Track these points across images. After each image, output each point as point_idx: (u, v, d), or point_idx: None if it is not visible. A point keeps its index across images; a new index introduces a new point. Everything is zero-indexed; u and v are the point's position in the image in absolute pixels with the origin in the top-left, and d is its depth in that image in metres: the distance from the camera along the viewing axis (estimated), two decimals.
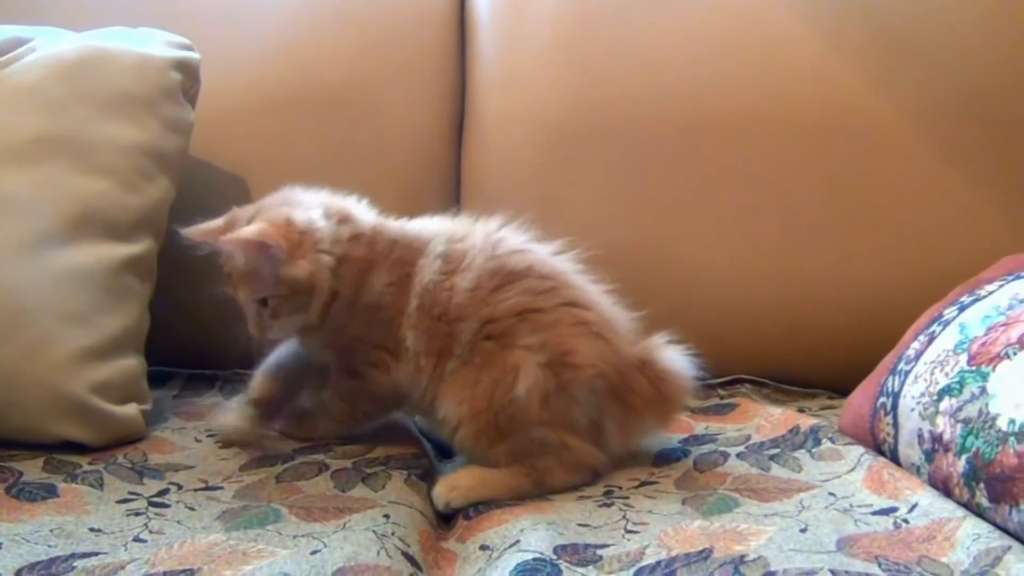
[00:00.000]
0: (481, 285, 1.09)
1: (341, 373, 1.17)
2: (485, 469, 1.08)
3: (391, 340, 1.13)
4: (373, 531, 0.91)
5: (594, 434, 1.09)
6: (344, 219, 1.15)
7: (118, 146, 1.26)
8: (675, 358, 1.12)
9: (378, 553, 0.87)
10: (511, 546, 0.90)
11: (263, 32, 1.58)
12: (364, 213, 1.18)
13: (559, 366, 1.06)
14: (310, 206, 1.14)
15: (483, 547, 0.93)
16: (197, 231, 1.13)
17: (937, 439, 1.01)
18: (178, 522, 0.95)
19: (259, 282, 1.10)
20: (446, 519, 1.05)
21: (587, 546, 0.91)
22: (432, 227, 1.17)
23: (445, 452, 1.23)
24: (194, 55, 1.37)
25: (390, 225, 1.18)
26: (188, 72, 1.35)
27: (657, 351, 1.13)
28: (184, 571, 0.84)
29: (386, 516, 0.95)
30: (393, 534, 0.91)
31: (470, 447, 1.09)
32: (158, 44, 1.34)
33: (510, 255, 1.12)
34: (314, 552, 0.87)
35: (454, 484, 1.06)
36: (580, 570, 0.86)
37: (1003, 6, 1.50)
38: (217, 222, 1.14)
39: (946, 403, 1.01)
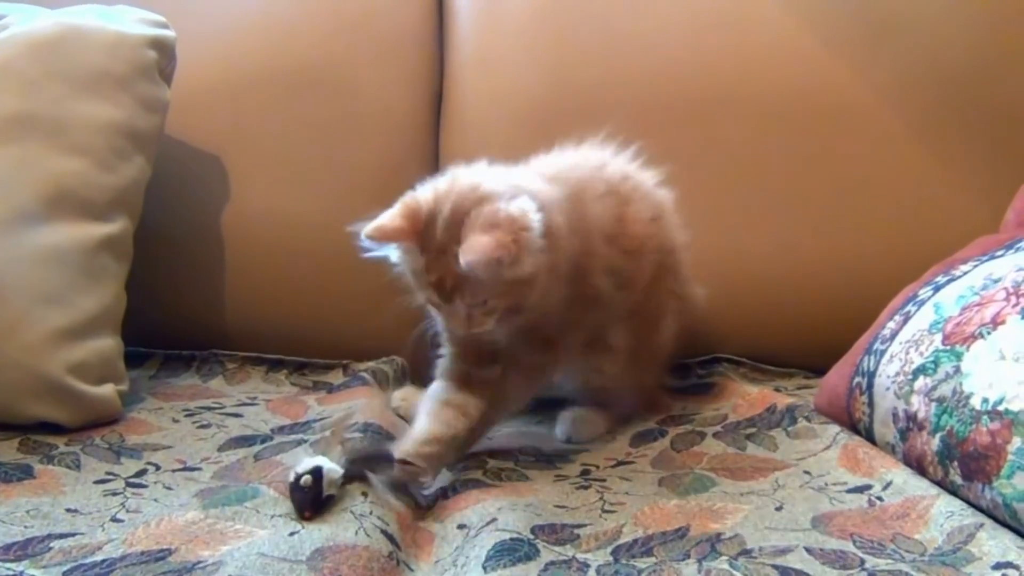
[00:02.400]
0: (651, 215, 1.20)
1: (532, 348, 1.12)
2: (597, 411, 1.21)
3: (583, 291, 1.12)
4: (351, 511, 0.91)
5: None
6: (532, 195, 1.05)
7: (93, 125, 1.25)
8: None
9: (356, 533, 0.87)
10: (488, 523, 0.90)
11: (240, 10, 1.57)
12: (531, 178, 1.11)
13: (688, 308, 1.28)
14: (510, 192, 1.04)
15: (460, 526, 0.93)
16: (381, 231, 1.02)
17: (912, 418, 1.01)
18: (155, 500, 0.95)
19: (479, 287, 1.01)
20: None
21: (564, 526, 0.91)
22: (568, 162, 1.19)
23: None
24: (170, 33, 1.36)
25: (536, 178, 1.12)
26: (164, 50, 1.34)
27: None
28: (161, 551, 0.83)
29: (364, 495, 0.95)
30: (371, 513, 0.91)
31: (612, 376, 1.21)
32: (133, 22, 1.33)
33: (646, 183, 1.23)
34: (292, 533, 0.86)
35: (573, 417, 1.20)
36: (558, 549, 0.86)
37: None
38: (394, 218, 1.03)
39: (921, 382, 1.02)
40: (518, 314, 1.05)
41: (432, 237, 1.01)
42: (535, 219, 1.00)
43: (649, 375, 1.28)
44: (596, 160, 1.21)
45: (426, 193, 1.04)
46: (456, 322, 1.05)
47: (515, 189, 1.04)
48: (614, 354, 1.21)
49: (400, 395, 1.30)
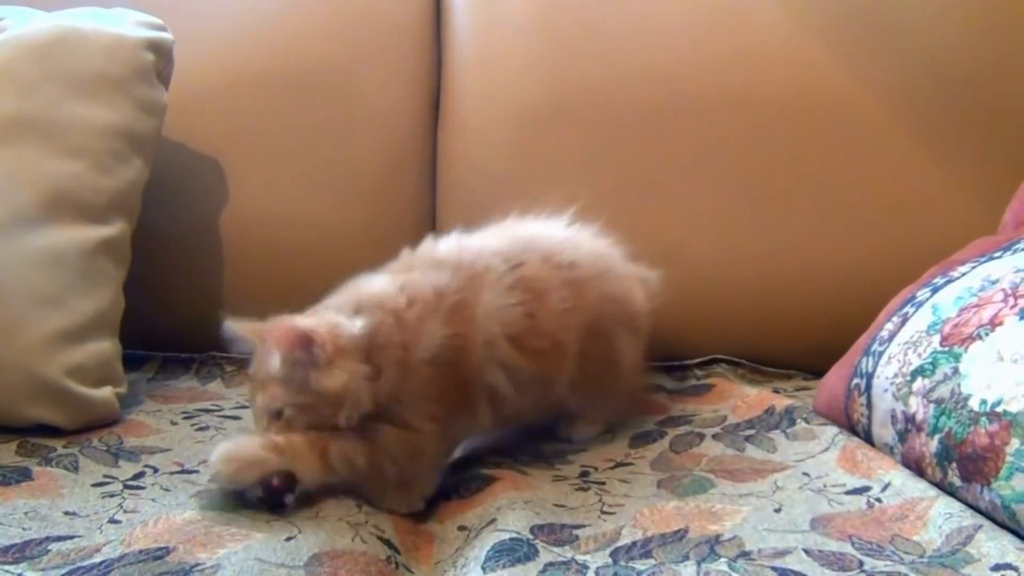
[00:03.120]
0: (574, 300, 1.11)
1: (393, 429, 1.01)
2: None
3: (459, 394, 1.04)
4: (347, 520, 0.91)
5: None
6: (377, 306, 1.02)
7: (91, 127, 1.25)
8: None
9: (352, 539, 0.87)
10: (488, 524, 0.90)
11: (237, 12, 1.57)
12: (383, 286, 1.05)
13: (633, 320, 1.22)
14: (349, 307, 1.02)
15: (461, 527, 0.93)
16: (241, 326, 1.02)
17: (910, 419, 1.01)
18: (153, 500, 0.95)
19: (285, 387, 0.98)
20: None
21: (563, 526, 0.91)
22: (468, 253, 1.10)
23: None
24: (167, 35, 1.36)
25: (428, 276, 1.06)
26: (161, 52, 1.34)
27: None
28: (159, 549, 0.83)
29: (358, 506, 0.95)
30: (367, 522, 0.91)
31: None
32: (131, 24, 1.33)
33: (573, 258, 1.15)
34: (289, 538, 0.86)
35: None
36: (557, 550, 0.86)
37: None
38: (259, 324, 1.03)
39: (919, 384, 1.02)
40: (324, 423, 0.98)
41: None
42: (355, 326, 0.98)
43: (626, 387, 1.24)
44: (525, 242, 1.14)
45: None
46: (256, 430, 1.01)
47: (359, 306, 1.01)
48: (571, 394, 1.15)
49: None
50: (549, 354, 1.09)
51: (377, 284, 1.05)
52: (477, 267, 1.07)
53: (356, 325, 0.98)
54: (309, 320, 1.00)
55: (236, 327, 1.02)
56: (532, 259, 1.10)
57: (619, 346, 1.19)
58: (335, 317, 1.00)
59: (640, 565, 0.83)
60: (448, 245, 1.12)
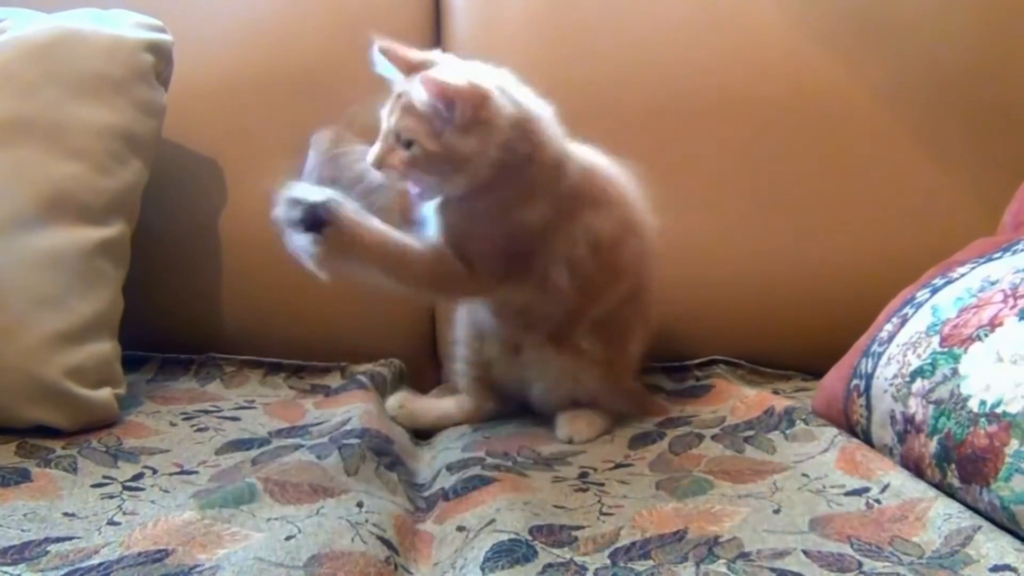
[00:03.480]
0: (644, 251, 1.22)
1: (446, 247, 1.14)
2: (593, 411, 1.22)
3: (520, 262, 1.14)
4: (347, 520, 0.90)
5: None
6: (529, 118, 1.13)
7: (91, 129, 1.25)
8: None
9: (352, 540, 0.87)
10: (487, 525, 0.90)
11: (236, 13, 1.57)
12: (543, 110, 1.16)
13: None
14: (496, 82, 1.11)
15: (460, 528, 0.93)
16: (391, 52, 1.12)
17: (909, 420, 1.01)
18: (152, 502, 0.95)
19: (417, 125, 1.07)
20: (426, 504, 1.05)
21: (563, 527, 0.91)
22: (604, 168, 1.21)
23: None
24: (167, 37, 1.36)
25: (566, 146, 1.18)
26: (161, 54, 1.34)
27: None
28: (159, 551, 0.83)
29: (359, 505, 0.95)
30: (367, 521, 0.91)
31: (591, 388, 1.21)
32: (130, 26, 1.33)
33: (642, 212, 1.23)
34: (288, 537, 0.86)
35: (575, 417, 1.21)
36: (555, 551, 0.86)
37: None
38: (412, 52, 1.13)
39: (918, 385, 1.02)
40: (431, 181, 1.10)
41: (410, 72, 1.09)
42: (505, 104, 1.08)
43: (628, 381, 1.28)
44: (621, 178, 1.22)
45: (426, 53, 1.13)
46: (373, 150, 1.09)
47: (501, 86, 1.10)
48: (588, 362, 1.21)
49: (397, 402, 1.30)
50: (607, 277, 1.18)
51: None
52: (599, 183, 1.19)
53: (507, 106, 1.08)
54: (466, 78, 1.07)
55: (390, 49, 1.11)
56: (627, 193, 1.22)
57: (634, 325, 1.25)
58: (504, 85, 1.10)
59: (639, 566, 0.83)
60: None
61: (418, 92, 1.05)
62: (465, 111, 1.05)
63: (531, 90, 1.14)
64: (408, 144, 1.07)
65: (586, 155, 1.18)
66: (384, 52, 1.11)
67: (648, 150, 1.47)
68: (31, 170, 1.20)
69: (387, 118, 1.09)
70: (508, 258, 1.13)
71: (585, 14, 1.55)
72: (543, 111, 1.14)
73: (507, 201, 1.11)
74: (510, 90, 1.11)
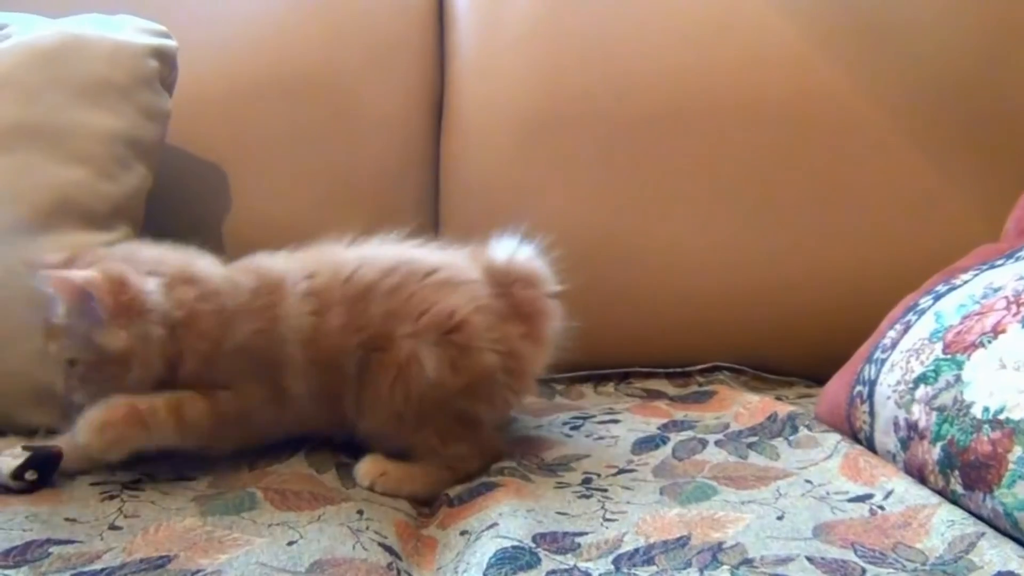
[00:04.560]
0: (351, 318, 1.07)
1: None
2: (411, 463, 1.07)
3: (268, 386, 1.06)
4: (348, 527, 0.91)
5: (512, 368, 1.10)
6: (188, 279, 1.04)
7: (95, 134, 1.25)
8: (515, 256, 1.14)
9: (353, 547, 0.87)
10: (489, 528, 0.90)
11: (241, 20, 1.57)
12: (210, 268, 1.08)
13: (448, 332, 1.06)
14: (149, 268, 1.03)
15: (463, 532, 0.93)
16: (39, 262, 1.02)
17: (913, 427, 1.01)
18: (152, 503, 0.95)
19: (71, 338, 1.00)
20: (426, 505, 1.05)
21: (565, 534, 0.91)
22: (281, 264, 1.11)
23: None
24: (171, 42, 1.36)
25: (240, 272, 1.10)
26: (165, 59, 1.34)
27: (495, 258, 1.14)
28: (161, 558, 0.83)
29: (359, 512, 0.95)
30: (368, 528, 0.91)
31: (399, 445, 1.08)
32: (134, 31, 1.33)
33: (356, 272, 1.09)
34: (290, 543, 0.86)
35: (383, 469, 1.06)
36: (559, 558, 0.86)
37: None
38: (58, 257, 1.04)
39: (922, 391, 1.02)
40: (111, 386, 1.00)
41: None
42: (153, 298, 0.99)
43: (431, 413, 1.08)
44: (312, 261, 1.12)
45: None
46: (57, 381, 1.03)
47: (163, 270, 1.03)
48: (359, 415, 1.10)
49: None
50: (331, 367, 1.07)
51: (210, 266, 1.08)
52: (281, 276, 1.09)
53: (149, 284, 1.00)
54: (93, 271, 0.98)
55: (44, 269, 1.00)
56: (323, 272, 1.10)
57: (416, 367, 1.05)
58: (128, 271, 1.00)
59: (643, 572, 0.83)
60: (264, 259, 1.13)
61: (58, 306, 0.98)
62: (104, 303, 0.97)
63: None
64: (71, 363, 1.01)
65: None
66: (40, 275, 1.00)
67: (649, 156, 1.48)
68: (35, 175, 1.20)
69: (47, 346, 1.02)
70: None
71: (587, 21, 1.55)
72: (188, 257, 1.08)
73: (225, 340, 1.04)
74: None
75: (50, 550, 0.85)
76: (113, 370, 0.99)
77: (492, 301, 1.10)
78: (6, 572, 0.81)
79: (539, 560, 0.85)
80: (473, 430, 1.09)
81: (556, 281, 1.14)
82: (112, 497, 0.97)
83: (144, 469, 1.06)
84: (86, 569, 0.82)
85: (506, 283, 1.12)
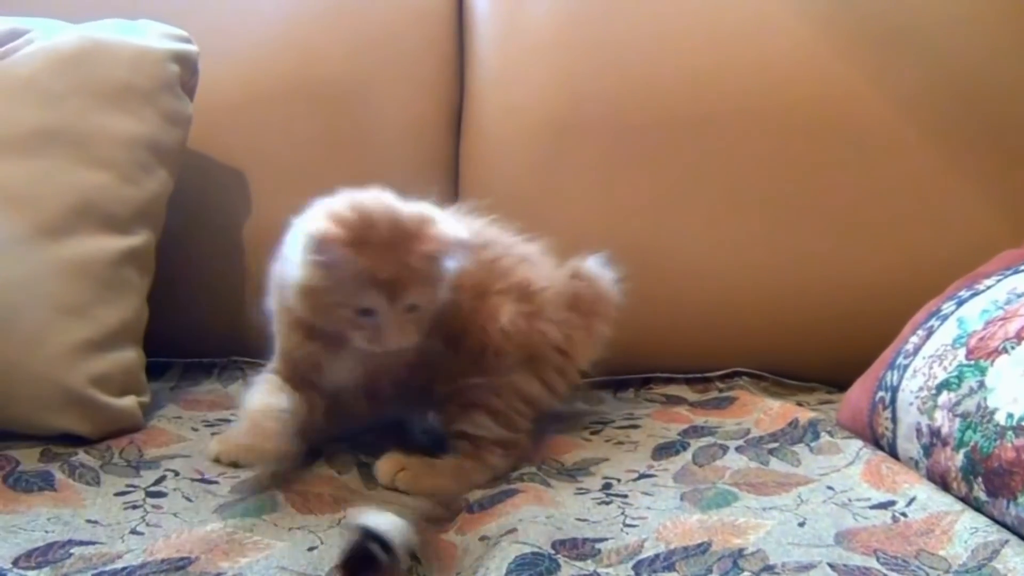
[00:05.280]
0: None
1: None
2: (433, 459, 1.10)
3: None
4: None
5: (566, 351, 1.17)
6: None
7: (116, 138, 1.26)
8: (595, 266, 1.23)
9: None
10: (508, 533, 0.90)
11: (262, 25, 1.58)
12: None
13: (523, 297, 1.13)
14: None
15: (482, 538, 0.93)
16: (325, 240, 0.97)
17: (935, 433, 1.01)
18: (175, 514, 0.95)
19: (427, 285, 1.02)
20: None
21: (585, 540, 0.90)
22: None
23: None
24: (192, 47, 1.37)
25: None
26: (186, 64, 1.35)
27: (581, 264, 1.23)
28: (181, 559, 0.84)
29: None
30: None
31: (458, 424, 1.12)
32: (156, 36, 1.34)
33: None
34: (311, 548, 0.87)
35: (403, 464, 1.08)
36: (579, 564, 0.86)
37: None
38: (331, 225, 0.99)
39: (944, 397, 1.01)
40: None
41: (371, 239, 0.99)
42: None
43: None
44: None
45: (338, 204, 1.03)
46: (393, 333, 1.01)
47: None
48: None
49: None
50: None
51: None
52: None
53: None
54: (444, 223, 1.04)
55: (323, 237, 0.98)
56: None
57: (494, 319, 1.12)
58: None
59: None
60: None
61: (441, 244, 1.01)
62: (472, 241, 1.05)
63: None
64: (412, 307, 1.02)
65: None
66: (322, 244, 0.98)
67: (668, 163, 1.48)
68: (57, 179, 1.20)
69: (388, 287, 0.99)
70: None
71: (606, 27, 1.55)
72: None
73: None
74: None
75: (71, 551, 0.86)
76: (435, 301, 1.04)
77: (562, 288, 1.18)
78: (28, 573, 0.82)
79: (559, 566, 0.85)
80: (524, 414, 1.14)
81: (618, 293, 1.23)
82: (135, 507, 0.97)
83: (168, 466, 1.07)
84: (107, 569, 0.82)
85: (576, 279, 1.21)
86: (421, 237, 1.00)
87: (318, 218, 1.00)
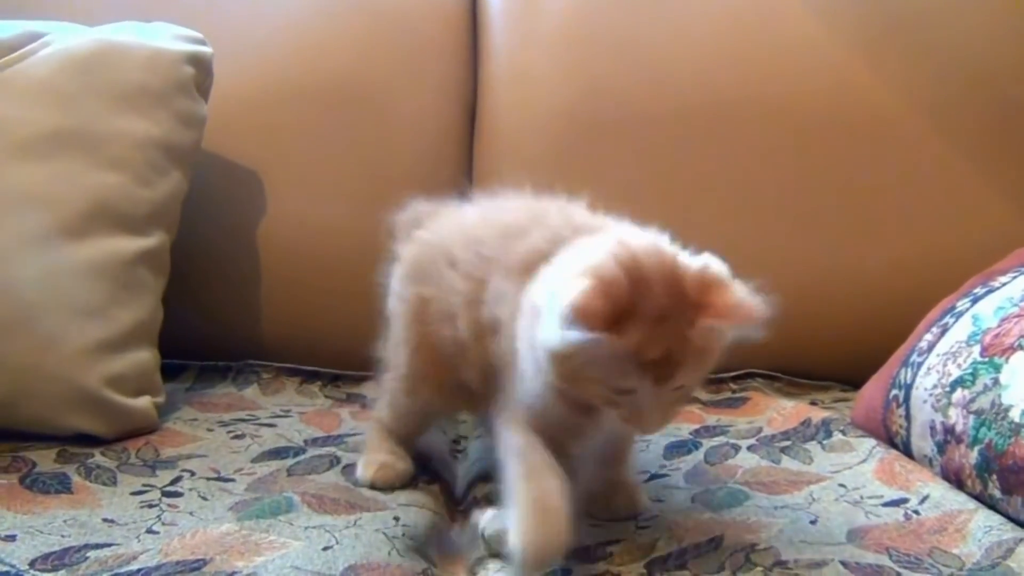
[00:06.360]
0: None
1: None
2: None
3: None
4: (384, 533, 0.91)
5: None
6: None
7: (131, 140, 1.26)
8: None
9: (389, 553, 0.87)
10: None
11: (276, 26, 1.58)
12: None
13: None
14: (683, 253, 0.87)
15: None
16: (586, 315, 0.76)
17: (949, 431, 1.00)
18: (191, 513, 0.96)
19: (703, 361, 0.83)
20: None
21: (598, 544, 0.90)
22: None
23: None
24: (207, 49, 1.37)
25: None
26: (201, 66, 1.36)
27: None
28: (196, 561, 0.84)
29: (396, 519, 0.95)
30: (404, 535, 0.91)
31: None
32: (171, 38, 1.35)
33: None
34: (326, 548, 0.87)
35: (382, 461, 1.05)
36: (590, 565, 0.86)
37: None
38: (594, 299, 0.77)
39: (959, 395, 1.01)
40: None
41: (642, 310, 0.79)
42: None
43: None
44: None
45: (607, 263, 0.81)
46: (655, 417, 0.84)
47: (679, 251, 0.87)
48: None
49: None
50: None
51: None
52: None
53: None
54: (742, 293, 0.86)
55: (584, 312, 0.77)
56: None
57: None
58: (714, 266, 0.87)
59: None
60: None
61: (731, 322, 0.82)
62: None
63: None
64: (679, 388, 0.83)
65: None
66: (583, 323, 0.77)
67: (682, 158, 1.48)
68: (73, 181, 1.21)
69: (659, 367, 0.80)
70: None
71: (619, 23, 1.55)
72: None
73: None
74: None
75: (88, 554, 0.86)
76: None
77: None
78: (44, 575, 0.82)
79: (570, 570, 0.85)
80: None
81: None
82: (151, 506, 0.98)
83: (185, 466, 1.08)
84: (122, 570, 0.83)
85: None
86: (704, 305, 0.81)
87: (578, 278, 0.79)
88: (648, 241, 0.86)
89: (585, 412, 0.86)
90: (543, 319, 0.81)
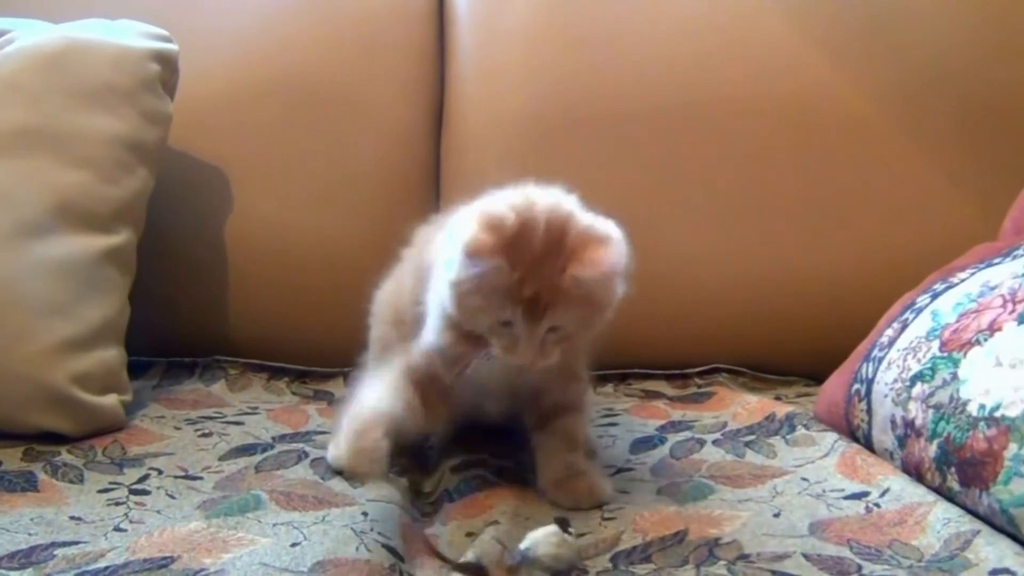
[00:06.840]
0: None
1: (569, 383, 1.07)
2: None
3: None
4: (352, 528, 0.91)
5: None
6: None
7: (97, 138, 1.26)
8: None
9: (357, 548, 0.87)
10: (490, 526, 0.92)
11: (242, 25, 1.58)
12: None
13: None
14: (591, 215, 0.97)
15: (468, 534, 0.94)
16: (476, 247, 0.90)
17: (909, 424, 1.02)
18: (158, 512, 0.96)
19: (571, 308, 0.93)
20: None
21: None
22: None
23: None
24: (172, 46, 1.37)
25: None
26: (167, 63, 1.35)
27: None
28: (164, 558, 0.84)
29: (364, 514, 0.95)
30: (372, 530, 0.91)
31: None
32: (136, 36, 1.34)
33: None
34: (294, 544, 0.87)
35: None
36: None
37: None
38: (483, 232, 0.90)
39: (918, 389, 1.02)
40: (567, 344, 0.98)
41: (525, 251, 0.91)
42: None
43: None
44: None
45: (501, 207, 0.93)
46: (526, 350, 0.94)
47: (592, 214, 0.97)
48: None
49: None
50: None
51: None
52: None
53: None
54: (602, 246, 0.93)
55: (475, 245, 0.90)
56: None
57: None
58: (613, 229, 0.96)
59: (640, 569, 0.84)
60: None
61: (588, 275, 0.91)
62: (624, 271, 0.94)
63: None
64: (557, 329, 0.95)
65: None
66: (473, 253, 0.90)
67: (649, 156, 1.49)
68: (38, 179, 1.21)
69: (529, 305, 0.92)
70: None
71: (586, 22, 1.56)
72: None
73: None
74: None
75: (55, 552, 0.86)
76: (595, 320, 0.97)
77: None
78: (11, 573, 0.82)
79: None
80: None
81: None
82: (119, 503, 0.98)
83: (153, 464, 1.07)
84: (90, 568, 0.82)
85: None
86: (581, 258, 0.91)
87: (476, 218, 0.91)
88: (552, 197, 0.97)
89: (472, 342, 0.98)
90: (448, 254, 0.94)
